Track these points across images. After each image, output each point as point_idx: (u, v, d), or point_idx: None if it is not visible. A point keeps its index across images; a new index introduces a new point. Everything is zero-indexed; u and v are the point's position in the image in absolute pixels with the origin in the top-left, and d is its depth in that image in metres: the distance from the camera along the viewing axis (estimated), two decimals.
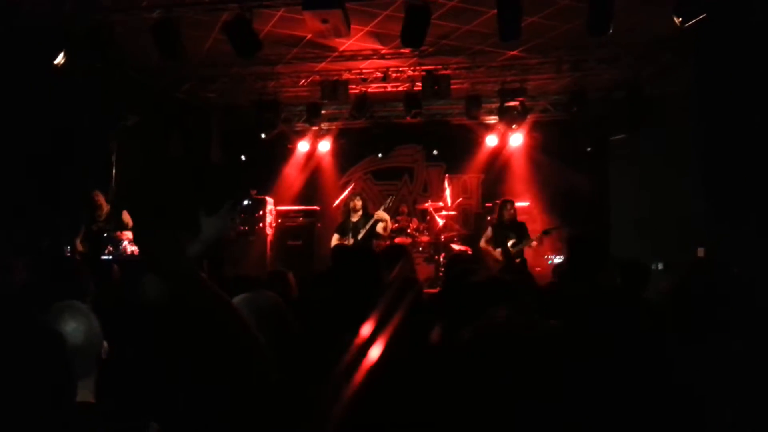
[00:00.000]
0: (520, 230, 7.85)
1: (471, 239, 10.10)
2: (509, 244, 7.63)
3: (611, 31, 6.03)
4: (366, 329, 1.93)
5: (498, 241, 7.79)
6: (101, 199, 7.54)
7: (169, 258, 1.38)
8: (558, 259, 8.92)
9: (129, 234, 7.38)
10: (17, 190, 6.59)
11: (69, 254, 7.08)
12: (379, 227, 8.14)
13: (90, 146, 8.24)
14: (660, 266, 7.78)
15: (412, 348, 2.04)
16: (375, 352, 1.73)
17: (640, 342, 2.14)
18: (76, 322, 1.92)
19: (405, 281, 3.47)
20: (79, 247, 7.29)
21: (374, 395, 1.72)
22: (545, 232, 8.07)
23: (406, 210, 10.13)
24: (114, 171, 9.03)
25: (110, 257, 7.26)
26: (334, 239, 8.21)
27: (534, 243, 7.79)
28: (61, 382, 0.97)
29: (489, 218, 9.34)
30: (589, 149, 10.36)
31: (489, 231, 8.07)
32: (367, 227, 8.08)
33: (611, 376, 1.70)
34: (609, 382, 1.64)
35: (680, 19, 5.93)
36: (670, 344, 1.97)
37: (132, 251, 7.30)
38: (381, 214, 8.27)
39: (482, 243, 8.08)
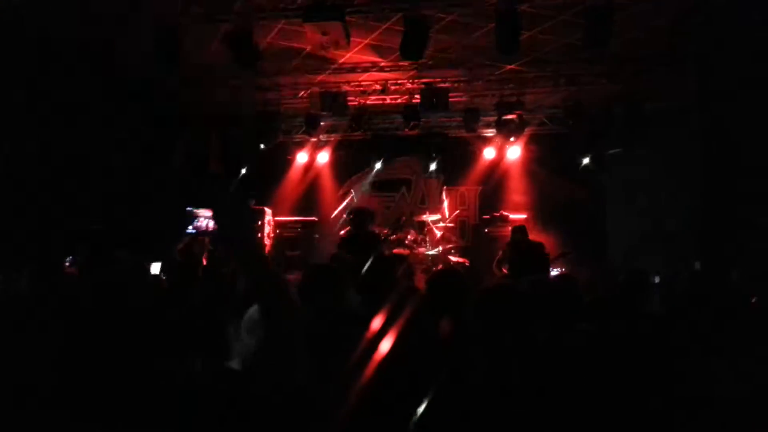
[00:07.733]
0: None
1: (468, 251, 10.06)
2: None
3: (607, 47, 6.08)
4: (375, 324, 1.96)
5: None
6: None
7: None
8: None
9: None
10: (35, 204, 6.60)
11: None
12: None
13: (95, 158, 8.22)
14: (656, 280, 7.76)
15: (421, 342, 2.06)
16: (385, 346, 1.75)
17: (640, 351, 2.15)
18: None
19: (405, 289, 3.48)
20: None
21: (385, 386, 1.74)
22: (562, 255, 8.08)
23: (404, 221, 10.12)
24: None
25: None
26: None
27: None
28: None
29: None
30: (583, 164, 10.37)
31: (500, 254, 7.91)
32: None
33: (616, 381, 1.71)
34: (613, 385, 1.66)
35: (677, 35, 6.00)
36: (675, 353, 1.98)
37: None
38: None
39: (494, 266, 7.96)
